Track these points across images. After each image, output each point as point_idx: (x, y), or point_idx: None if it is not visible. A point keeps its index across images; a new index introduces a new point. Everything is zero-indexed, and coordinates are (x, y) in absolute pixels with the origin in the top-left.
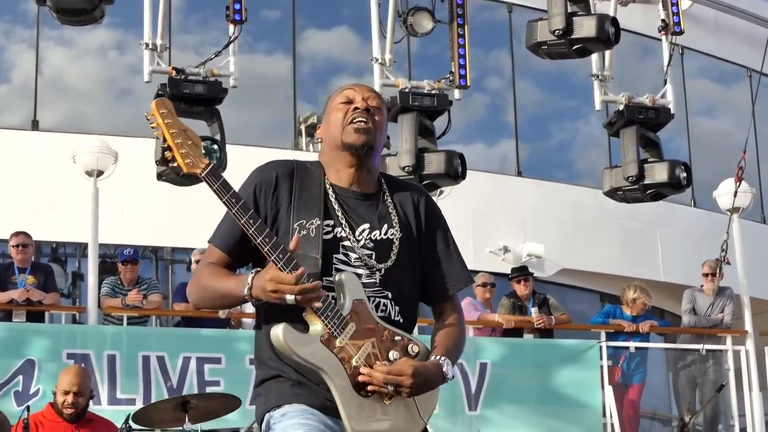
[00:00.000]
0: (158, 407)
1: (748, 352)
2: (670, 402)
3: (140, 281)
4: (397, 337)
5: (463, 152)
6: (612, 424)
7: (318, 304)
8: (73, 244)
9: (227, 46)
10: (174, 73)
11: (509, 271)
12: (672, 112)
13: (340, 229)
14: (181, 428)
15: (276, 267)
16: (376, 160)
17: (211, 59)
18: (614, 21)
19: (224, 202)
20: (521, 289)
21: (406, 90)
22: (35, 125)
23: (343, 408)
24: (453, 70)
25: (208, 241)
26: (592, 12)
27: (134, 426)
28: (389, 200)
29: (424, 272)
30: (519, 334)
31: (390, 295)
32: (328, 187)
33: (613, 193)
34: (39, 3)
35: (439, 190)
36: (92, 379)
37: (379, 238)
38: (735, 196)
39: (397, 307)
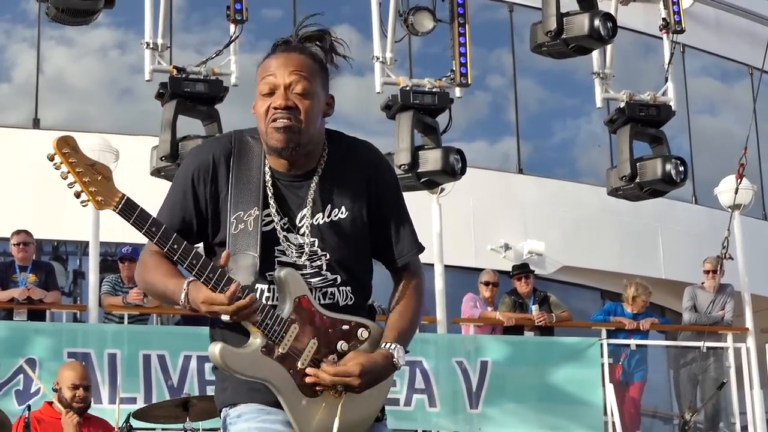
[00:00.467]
0: (159, 406)
1: (749, 350)
2: (671, 399)
3: None
4: (345, 326)
5: (465, 150)
6: (613, 422)
7: (255, 318)
8: (74, 242)
9: (228, 45)
10: (175, 71)
11: (510, 269)
12: (673, 109)
13: (278, 217)
14: (181, 426)
15: (208, 287)
16: (313, 139)
17: (212, 58)
18: (606, 16)
19: (144, 234)
20: (522, 286)
21: (407, 88)
22: (36, 124)
23: (292, 416)
24: (454, 68)
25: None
26: (597, 9)
27: (135, 425)
28: (333, 176)
29: (374, 244)
30: (520, 332)
31: (338, 279)
32: (267, 170)
33: (615, 193)
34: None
35: (440, 187)
36: (93, 377)
37: (322, 221)
38: (736, 193)
39: (347, 288)
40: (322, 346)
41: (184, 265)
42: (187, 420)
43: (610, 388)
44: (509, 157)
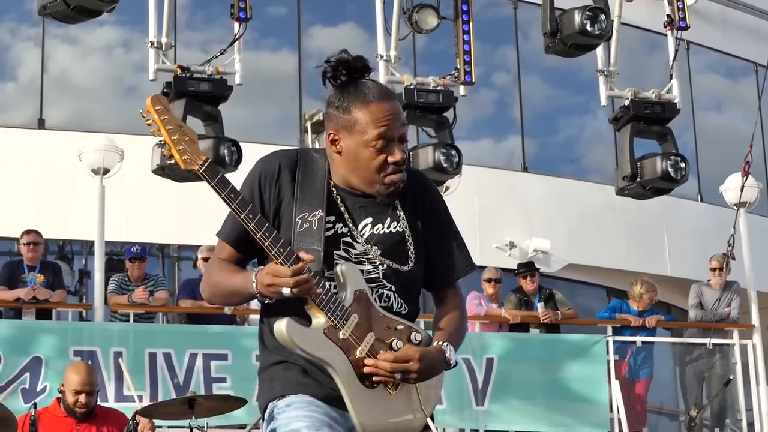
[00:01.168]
0: (165, 404)
1: (755, 346)
2: (677, 396)
3: (147, 278)
4: (400, 326)
5: (471, 148)
6: (619, 419)
7: (318, 290)
8: (80, 241)
9: (232, 44)
10: (179, 71)
11: (515, 267)
12: (678, 107)
13: (341, 224)
14: (187, 423)
15: (277, 261)
16: None
17: (216, 57)
18: (595, 9)
19: (223, 198)
20: (527, 284)
21: (411, 87)
22: (41, 124)
23: (350, 402)
24: (458, 67)
25: (216, 235)
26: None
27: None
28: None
29: (427, 261)
30: (525, 329)
31: (393, 288)
32: (331, 181)
33: (622, 192)
34: None
35: (444, 185)
36: (99, 375)
37: (381, 232)
38: (742, 190)
39: (401, 299)
40: (379, 341)
41: (258, 236)
42: (193, 418)
43: (615, 385)
44: (514, 155)
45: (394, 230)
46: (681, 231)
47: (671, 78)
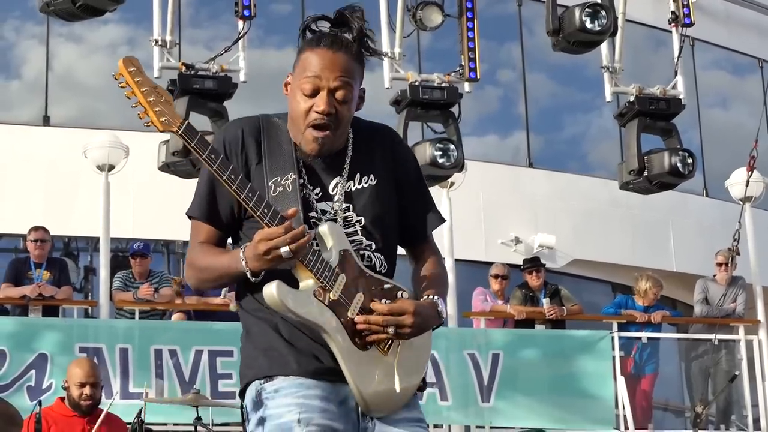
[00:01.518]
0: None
1: (761, 342)
2: (683, 392)
3: (152, 275)
4: (387, 286)
5: (476, 144)
6: (624, 416)
7: (309, 237)
8: (85, 238)
9: (237, 41)
10: (184, 68)
11: (521, 263)
12: (683, 102)
13: (311, 187)
14: (192, 421)
15: (263, 223)
16: (342, 136)
17: (221, 54)
18: (595, 6)
19: (203, 160)
20: (533, 280)
21: (416, 83)
22: (46, 121)
23: (347, 370)
24: (463, 63)
25: (187, 214)
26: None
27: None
28: (360, 151)
29: (401, 216)
30: (531, 325)
31: (373, 246)
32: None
33: (626, 187)
34: None
35: (449, 181)
36: (104, 372)
37: (354, 188)
38: (747, 185)
39: (381, 256)
40: (368, 300)
41: (241, 197)
42: (197, 412)
43: (621, 381)
44: (520, 151)
45: (365, 184)
46: (686, 226)
47: (676, 74)
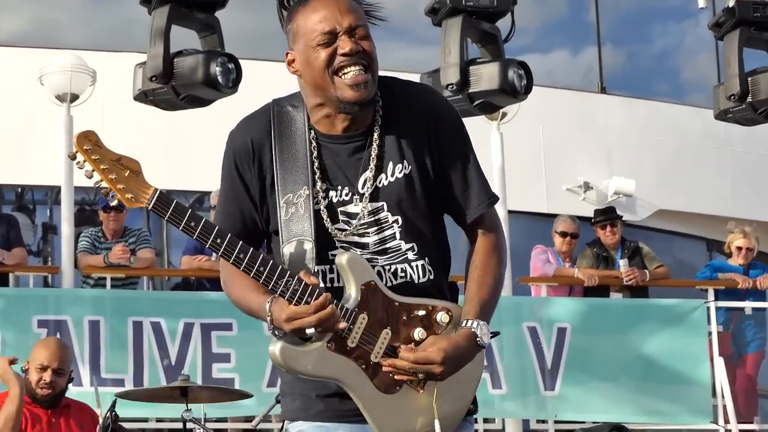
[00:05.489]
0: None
1: None
2: None
3: (127, 233)
4: (421, 311)
5: (535, 63)
6: (724, 405)
7: (343, 325)
8: (43, 187)
9: None
10: None
11: (592, 215)
12: None
13: (336, 190)
14: (179, 415)
15: (285, 299)
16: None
17: None
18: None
19: (183, 230)
20: (607, 236)
21: None
22: None
23: (369, 417)
24: None
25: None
26: None
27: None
28: (391, 130)
29: (443, 201)
30: (605, 293)
31: (414, 248)
32: (313, 139)
33: (723, 116)
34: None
35: (500, 111)
36: (72, 355)
37: (386, 182)
38: None
39: (423, 261)
40: (397, 336)
41: (242, 267)
42: (186, 406)
43: (719, 362)
44: (590, 72)
45: (399, 174)
46: None
47: None
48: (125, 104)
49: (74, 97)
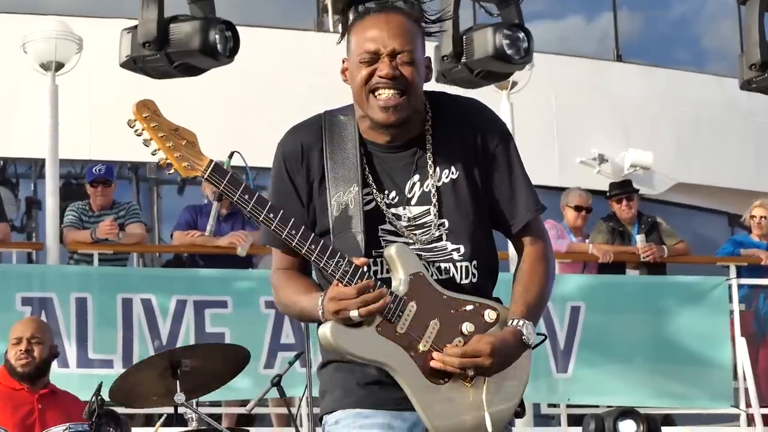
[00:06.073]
0: (138, 374)
1: None
2: None
3: (116, 207)
4: (469, 306)
5: (546, 30)
6: (746, 389)
7: (387, 299)
8: (27, 160)
9: None
10: None
11: (607, 188)
12: None
13: (384, 193)
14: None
15: (328, 273)
16: (416, 108)
17: None
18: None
19: (236, 202)
20: (623, 210)
21: None
22: None
23: (419, 405)
24: None
25: (262, 244)
26: None
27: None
28: (439, 140)
29: (489, 210)
30: (621, 270)
31: (460, 250)
32: (362, 145)
33: (747, 86)
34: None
35: (510, 80)
36: (57, 336)
37: (433, 187)
38: None
39: (469, 263)
40: (445, 328)
41: (293, 243)
42: (178, 391)
43: (741, 342)
44: (606, 39)
45: (446, 179)
46: None
47: None
48: (113, 73)
49: (59, 66)
